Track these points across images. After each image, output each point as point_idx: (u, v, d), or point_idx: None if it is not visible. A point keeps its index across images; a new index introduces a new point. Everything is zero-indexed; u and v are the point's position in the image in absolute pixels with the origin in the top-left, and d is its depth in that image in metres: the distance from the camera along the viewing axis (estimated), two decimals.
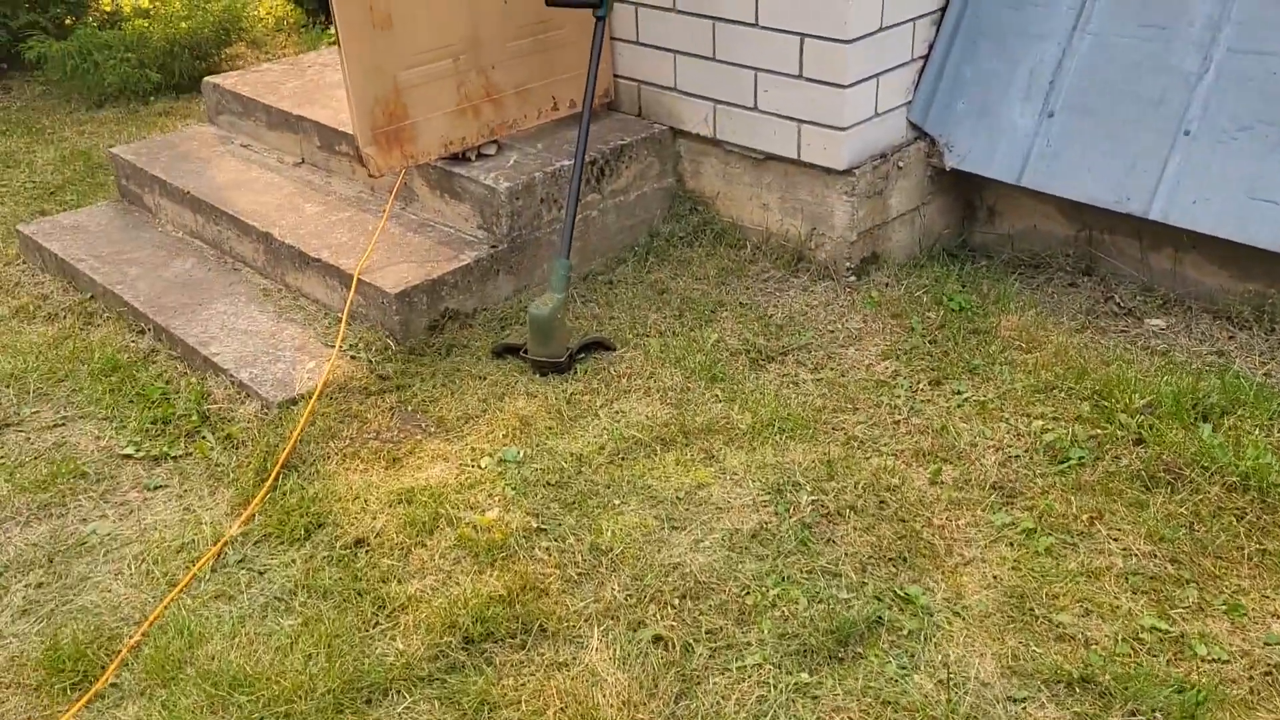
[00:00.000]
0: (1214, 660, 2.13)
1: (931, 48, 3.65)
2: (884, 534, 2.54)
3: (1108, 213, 3.42)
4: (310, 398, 3.11)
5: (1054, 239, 3.71)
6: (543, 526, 2.64)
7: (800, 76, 3.48)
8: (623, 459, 2.86)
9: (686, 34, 3.73)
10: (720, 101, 3.72)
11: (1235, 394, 2.91)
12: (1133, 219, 3.37)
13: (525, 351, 3.28)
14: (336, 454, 2.95)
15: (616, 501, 2.71)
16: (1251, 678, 2.08)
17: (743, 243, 3.83)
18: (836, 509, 2.62)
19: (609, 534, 2.60)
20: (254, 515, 2.76)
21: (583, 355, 3.32)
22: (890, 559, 2.47)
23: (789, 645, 2.27)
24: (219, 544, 2.67)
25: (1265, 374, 3.07)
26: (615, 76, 3.99)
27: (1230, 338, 3.27)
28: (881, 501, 2.64)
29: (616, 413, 3.06)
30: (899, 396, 3.05)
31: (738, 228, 3.86)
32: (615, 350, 3.35)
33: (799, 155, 3.58)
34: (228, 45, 6.35)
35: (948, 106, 3.65)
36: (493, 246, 3.55)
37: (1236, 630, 2.20)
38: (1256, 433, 2.78)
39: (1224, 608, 2.26)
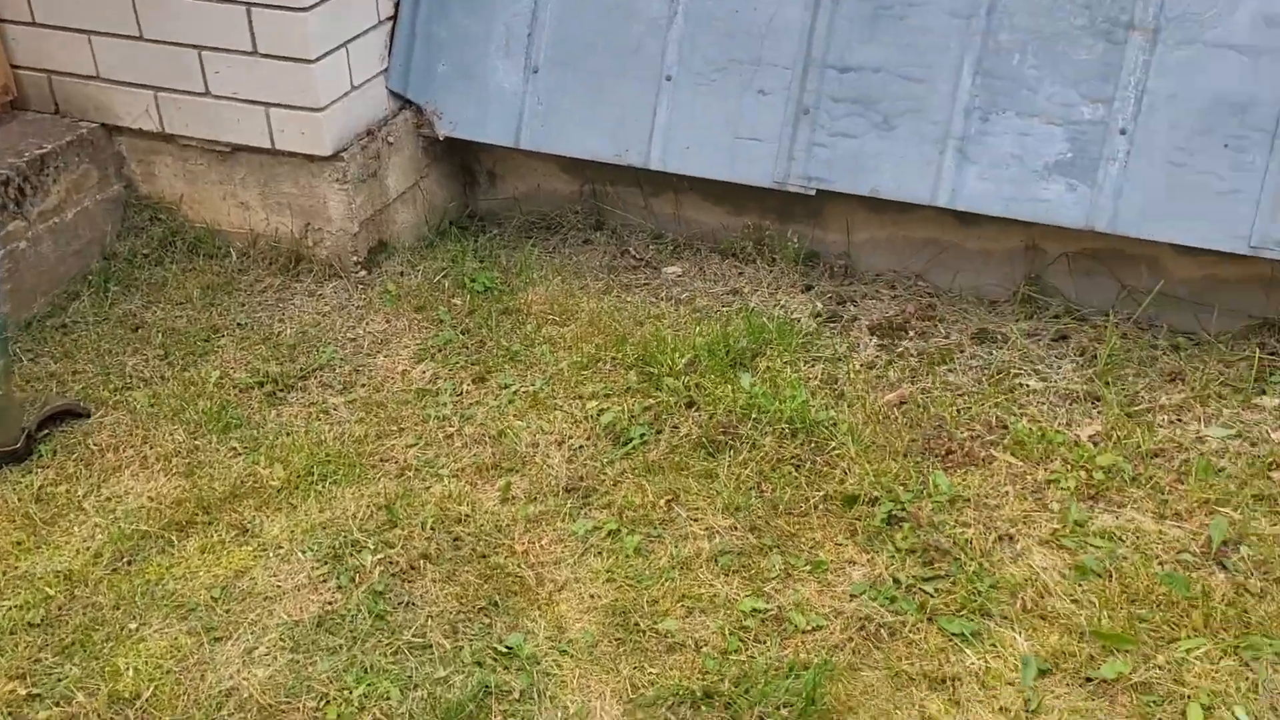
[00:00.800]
0: (814, 629, 2.13)
1: (398, 7, 3.30)
2: (467, 579, 2.25)
3: (608, 165, 3.34)
4: None
5: (560, 197, 3.58)
6: (35, 690, 2.02)
7: (256, 53, 2.97)
8: (130, 564, 2.29)
9: (99, 9, 3.02)
10: (162, 89, 3.09)
11: (761, 334, 2.97)
12: (633, 169, 3.32)
13: None
14: None
15: (133, 625, 2.15)
16: (851, 639, 2.10)
17: (225, 250, 3.26)
18: (408, 562, 2.29)
19: (131, 674, 2.04)
20: None
21: (46, 432, 2.63)
22: (481, 608, 2.19)
23: None
24: None
25: (779, 305, 3.18)
26: (14, 68, 3.16)
27: (740, 274, 3.35)
28: (456, 539, 2.35)
29: (108, 500, 2.44)
30: (445, 405, 2.76)
31: (215, 234, 3.28)
32: (90, 415, 2.69)
33: (274, 144, 3.08)
34: None
35: (428, 71, 3.33)
36: None
37: (824, 589, 2.23)
38: (788, 371, 2.85)
39: (808, 568, 2.27)
